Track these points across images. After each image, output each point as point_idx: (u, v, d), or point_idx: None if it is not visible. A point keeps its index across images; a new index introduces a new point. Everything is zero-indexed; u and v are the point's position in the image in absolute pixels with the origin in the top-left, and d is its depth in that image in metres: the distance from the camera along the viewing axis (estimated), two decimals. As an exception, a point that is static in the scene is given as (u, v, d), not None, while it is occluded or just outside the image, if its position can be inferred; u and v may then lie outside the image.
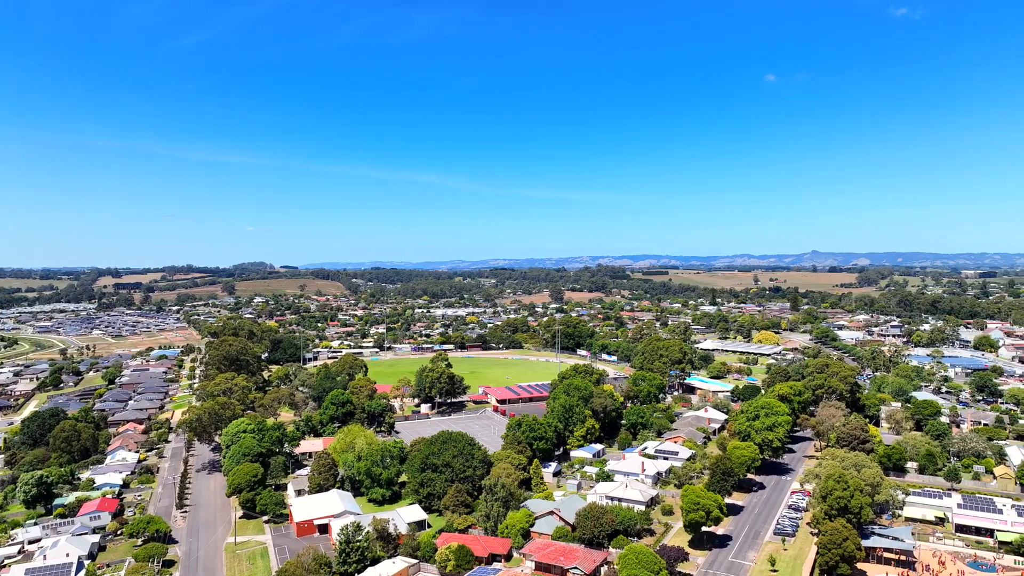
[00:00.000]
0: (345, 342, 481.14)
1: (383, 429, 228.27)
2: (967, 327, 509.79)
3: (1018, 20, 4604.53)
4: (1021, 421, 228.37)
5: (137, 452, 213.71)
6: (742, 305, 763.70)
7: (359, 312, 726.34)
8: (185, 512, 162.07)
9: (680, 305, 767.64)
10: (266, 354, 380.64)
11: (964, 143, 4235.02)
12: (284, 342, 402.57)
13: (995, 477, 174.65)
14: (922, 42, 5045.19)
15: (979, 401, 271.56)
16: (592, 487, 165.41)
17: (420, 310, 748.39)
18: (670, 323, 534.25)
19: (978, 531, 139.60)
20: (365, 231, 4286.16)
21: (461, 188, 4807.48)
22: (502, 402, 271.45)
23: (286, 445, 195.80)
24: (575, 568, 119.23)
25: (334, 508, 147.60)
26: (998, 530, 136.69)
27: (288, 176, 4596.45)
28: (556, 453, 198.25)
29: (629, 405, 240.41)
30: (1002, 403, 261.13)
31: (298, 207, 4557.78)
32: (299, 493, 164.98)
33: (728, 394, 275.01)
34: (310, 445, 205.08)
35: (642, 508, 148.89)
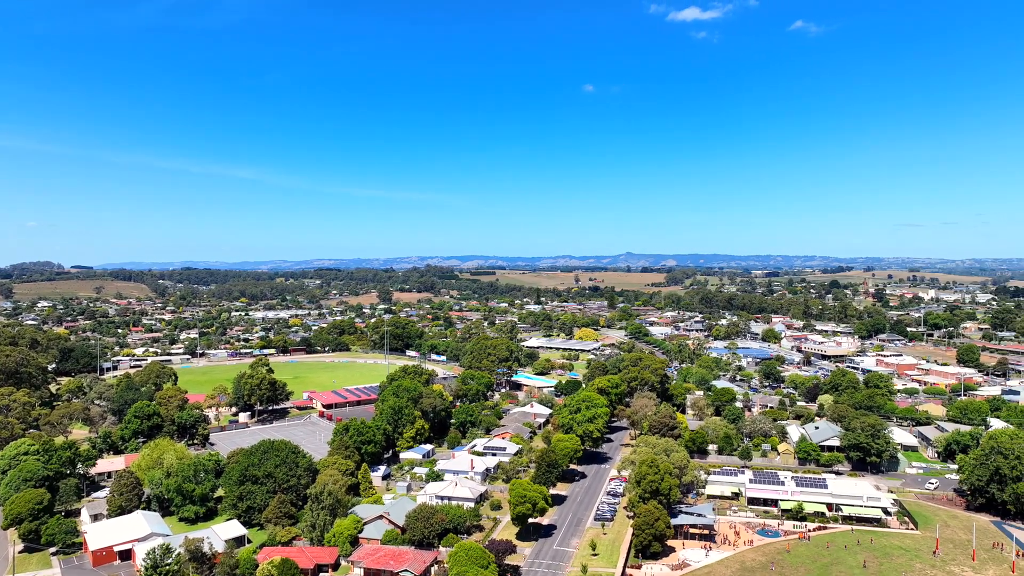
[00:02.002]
0: (151, 349, 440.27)
1: (196, 442, 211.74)
2: (756, 321, 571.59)
3: (782, 34, 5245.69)
4: (799, 403, 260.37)
5: None
6: (564, 304, 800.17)
7: (167, 316, 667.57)
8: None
9: (507, 304, 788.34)
10: (53, 365, 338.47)
11: (750, 158, 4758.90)
12: (77, 351, 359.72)
13: (779, 453, 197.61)
14: (720, 61, 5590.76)
15: (766, 387, 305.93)
16: (422, 488, 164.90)
17: (238, 313, 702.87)
18: (497, 322, 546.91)
19: (765, 502, 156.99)
20: (174, 228, 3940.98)
21: (283, 184, 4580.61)
22: (328, 407, 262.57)
23: (80, 466, 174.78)
24: (405, 571, 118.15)
25: (138, 531, 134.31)
26: (781, 500, 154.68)
27: (78, 165, 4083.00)
28: (385, 456, 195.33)
29: (458, 404, 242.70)
30: (784, 388, 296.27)
31: (92, 200, 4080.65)
32: (96, 518, 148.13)
33: (552, 389, 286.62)
34: (110, 464, 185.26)
35: (472, 505, 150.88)
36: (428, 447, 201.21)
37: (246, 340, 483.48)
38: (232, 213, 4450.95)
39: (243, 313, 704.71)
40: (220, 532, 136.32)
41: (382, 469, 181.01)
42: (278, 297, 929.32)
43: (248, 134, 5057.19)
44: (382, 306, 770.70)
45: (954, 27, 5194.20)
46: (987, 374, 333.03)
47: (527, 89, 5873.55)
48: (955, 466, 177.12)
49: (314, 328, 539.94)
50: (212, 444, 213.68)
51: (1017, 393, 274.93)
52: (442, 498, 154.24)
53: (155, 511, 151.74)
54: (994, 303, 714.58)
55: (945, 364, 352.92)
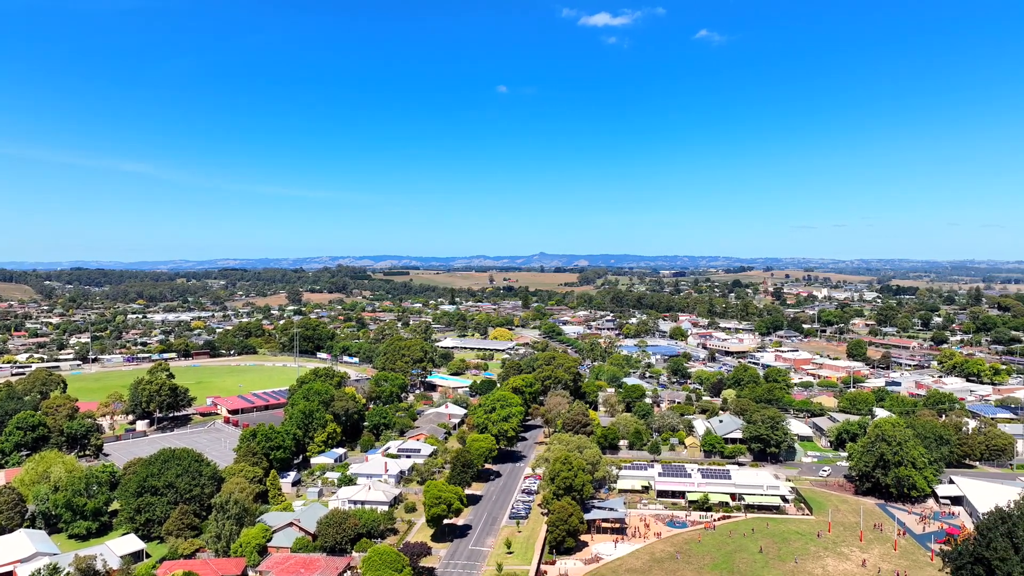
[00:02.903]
0: (36, 355, 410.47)
1: (88, 453, 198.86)
2: (665, 320, 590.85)
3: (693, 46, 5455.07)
4: (704, 398, 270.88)
5: None
6: (479, 304, 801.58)
7: (55, 320, 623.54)
8: None
9: (421, 305, 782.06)
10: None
11: (658, 162, 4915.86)
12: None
13: (686, 447, 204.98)
14: (630, 66, 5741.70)
15: (674, 383, 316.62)
16: (334, 493, 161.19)
17: (135, 316, 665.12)
18: (411, 323, 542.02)
19: (673, 494, 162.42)
20: (62, 226, 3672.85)
21: (183, 181, 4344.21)
22: (234, 412, 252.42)
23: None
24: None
25: (21, 551, 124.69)
26: (688, 491, 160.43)
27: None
28: (296, 461, 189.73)
29: (372, 406, 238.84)
30: (691, 383, 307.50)
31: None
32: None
33: (467, 389, 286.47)
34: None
35: (386, 508, 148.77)
36: (340, 451, 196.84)
37: (144, 344, 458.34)
38: (127, 210, 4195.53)
39: (141, 316, 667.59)
40: (115, 548, 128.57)
41: (292, 475, 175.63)
42: (179, 299, 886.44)
43: (141, 127, 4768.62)
44: (291, 307, 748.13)
45: (844, 39, 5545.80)
46: (873, 367, 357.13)
47: (440, 88, 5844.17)
48: (845, 454, 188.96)
49: (219, 331, 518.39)
50: (106, 455, 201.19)
51: (899, 384, 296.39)
52: (355, 502, 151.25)
53: (41, 529, 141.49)
54: (879, 301, 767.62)
55: (836, 358, 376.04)
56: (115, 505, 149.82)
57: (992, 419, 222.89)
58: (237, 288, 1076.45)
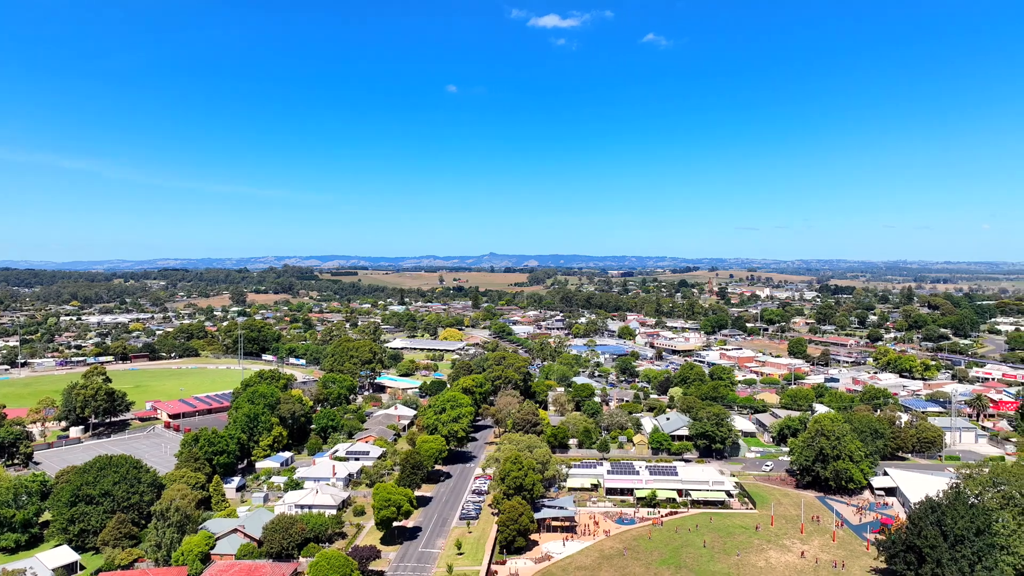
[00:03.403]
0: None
1: (17, 462, 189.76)
2: (613, 319, 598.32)
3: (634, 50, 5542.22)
4: (652, 396, 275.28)
5: None
6: (429, 304, 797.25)
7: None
8: None
9: (370, 305, 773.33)
10: None
11: (607, 163, 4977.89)
12: None
13: (634, 445, 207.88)
14: (579, 68, 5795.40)
15: (622, 381, 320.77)
16: (280, 497, 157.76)
17: (68, 318, 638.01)
18: (360, 323, 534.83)
19: (622, 492, 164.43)
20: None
21: (120, 177, 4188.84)
22: (175, 416, 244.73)
23: None
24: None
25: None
26: (636, 488, 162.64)
27: None
28: (240, 466, 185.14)
29: (319, 409, 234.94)
30: (639, 382, 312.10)
31: None
32: None
33: (417, 390, 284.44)
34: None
35: (334, 512, 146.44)
36: (287, 455, 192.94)
37: (79, 347, 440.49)
38: (60, 208, 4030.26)
39: (75, 318, 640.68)
40: (46, 560, 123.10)
41: (236, 480, 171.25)
42: (116, 300, 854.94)
43: (77, 122, 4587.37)
44: (235, 308, 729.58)
45: (786, 44, 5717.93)
46: (813, 364, 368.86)
47: (389, 87, 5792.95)
48: (787, 449, 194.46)
49: (158, 333, 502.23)
50: (37, 463, 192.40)
51: (837, 381, 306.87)
52: (302, 507, 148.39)
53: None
54: (818, 300, 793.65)
55: (778, 356, 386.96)
56: (47, 516, 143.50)
57: (923, 413, 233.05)
58: (178, 289, 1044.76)
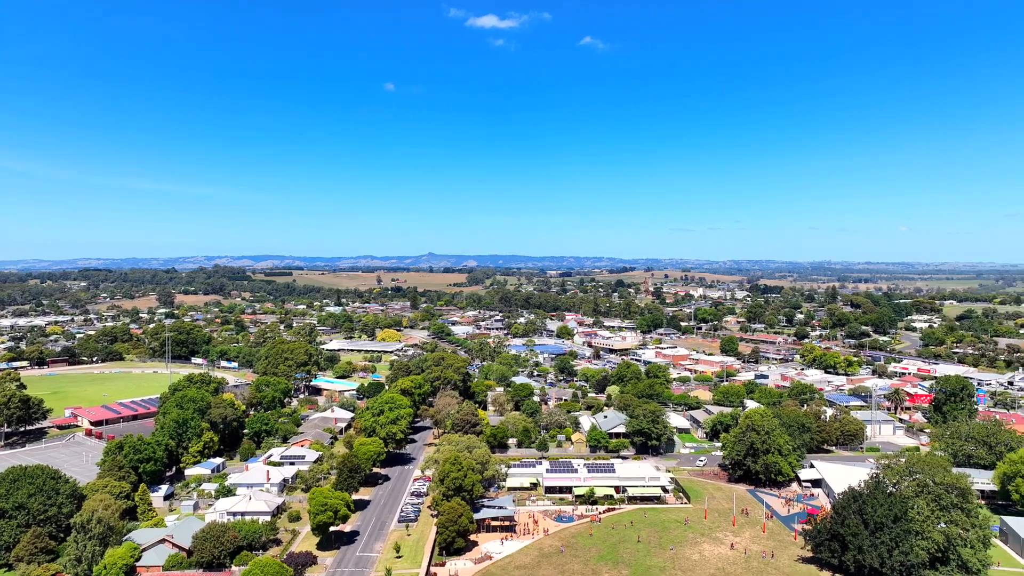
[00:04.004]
0: None
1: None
2: (552, 319, 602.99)
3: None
4: (590, 394, 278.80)
5: None
6: (366, 305, 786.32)
7: None
8: None
9: (305, 306, 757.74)
10: None
11: (544, 164, 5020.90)
12: None
13: (573, 443, 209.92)
14: (517, 69, 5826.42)
15: (561, 380, 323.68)
16: (211, 505, 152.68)
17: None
18: (295, 325, 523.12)
19: (561, 490, 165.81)
20: None
21: (36, 173, 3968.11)
22: (98, 423, 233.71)
23: None
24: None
25: None
26: (575, 486, 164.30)
27: None
28: (169, 474, 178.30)
29: (252, 413, 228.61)
30: (577, 381, 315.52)
31: None
32: None
33: (354, 392, 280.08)
34: None
35: (268, 519, 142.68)
36: (218, 461, 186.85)
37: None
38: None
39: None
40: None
41: (164, 488, 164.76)
42: (32, 301, 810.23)
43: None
44: (163, 310, 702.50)
45: (720, 49, 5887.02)
46: (744, 361, 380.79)
47: (324, 83, 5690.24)
48: (720, 444, 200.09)
49: (79, 336, 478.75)
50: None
51: (767, 377, 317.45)
52: (235, 514, 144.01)
53: None
54: (749, 300, 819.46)
55: (711, 354, 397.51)
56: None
57: (846, 407, 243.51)
58: (100, 290, 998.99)
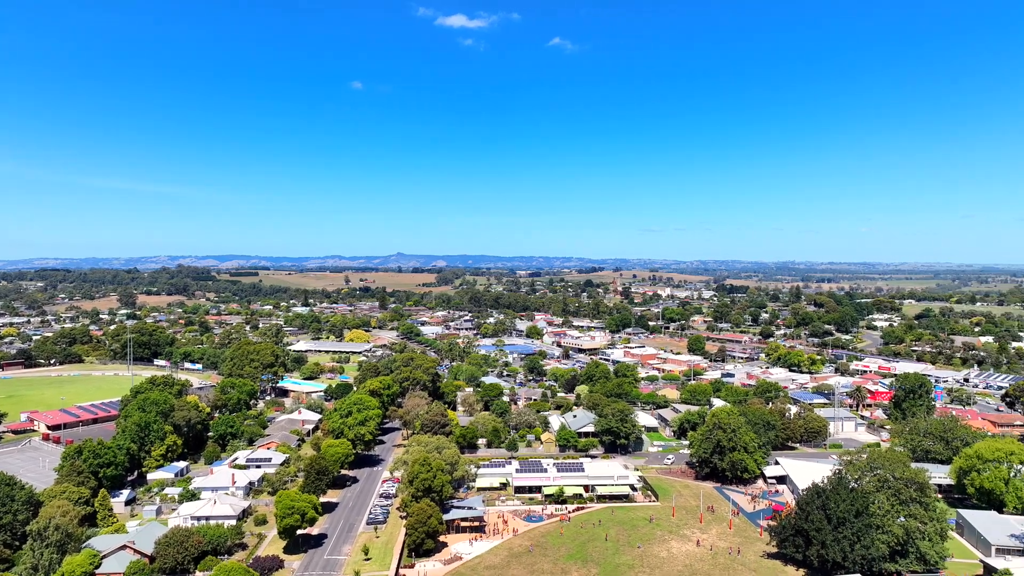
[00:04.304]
0: None
1: None
2: (521, 319, 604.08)
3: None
4: (559, 394, 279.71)
5: None
6: (334, 305, 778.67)
7: None
8: None
9: (272, 307, 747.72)
10: None
11: (512, 164, 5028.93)
12: None
13: (542, 443, 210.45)
14: (487, 68, 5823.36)
15: (531, 380, 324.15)
16: (175, 509, 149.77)
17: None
18: (261, 325, 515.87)
19: (531, 489, 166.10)
20: None
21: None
22: (55, 428, 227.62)
23: None
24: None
25: None
26: (544, 486, 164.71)
27: None
28: (130, 479, 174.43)
29: (217, 415, 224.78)
30: (546, 380, 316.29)
31: None
32: None
33: (322, 394, 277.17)
34: None
35: (234, 523, 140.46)
36: (182, 464, 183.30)
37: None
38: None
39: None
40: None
41: (125, 493, 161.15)
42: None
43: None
44: (124, 311, 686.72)
45: (689, 51, 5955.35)
46: (711, 360, 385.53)
47: (292, 81, 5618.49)
48: (687, 442, 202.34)
49: (36, 338, 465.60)
50: None
51: (733, 376, 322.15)
52: (199, 518, 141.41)
53: None
54: (715, 299, 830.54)
55: (679, 353, 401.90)
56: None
57: (810, 404, 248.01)
58: (59, 291, 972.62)
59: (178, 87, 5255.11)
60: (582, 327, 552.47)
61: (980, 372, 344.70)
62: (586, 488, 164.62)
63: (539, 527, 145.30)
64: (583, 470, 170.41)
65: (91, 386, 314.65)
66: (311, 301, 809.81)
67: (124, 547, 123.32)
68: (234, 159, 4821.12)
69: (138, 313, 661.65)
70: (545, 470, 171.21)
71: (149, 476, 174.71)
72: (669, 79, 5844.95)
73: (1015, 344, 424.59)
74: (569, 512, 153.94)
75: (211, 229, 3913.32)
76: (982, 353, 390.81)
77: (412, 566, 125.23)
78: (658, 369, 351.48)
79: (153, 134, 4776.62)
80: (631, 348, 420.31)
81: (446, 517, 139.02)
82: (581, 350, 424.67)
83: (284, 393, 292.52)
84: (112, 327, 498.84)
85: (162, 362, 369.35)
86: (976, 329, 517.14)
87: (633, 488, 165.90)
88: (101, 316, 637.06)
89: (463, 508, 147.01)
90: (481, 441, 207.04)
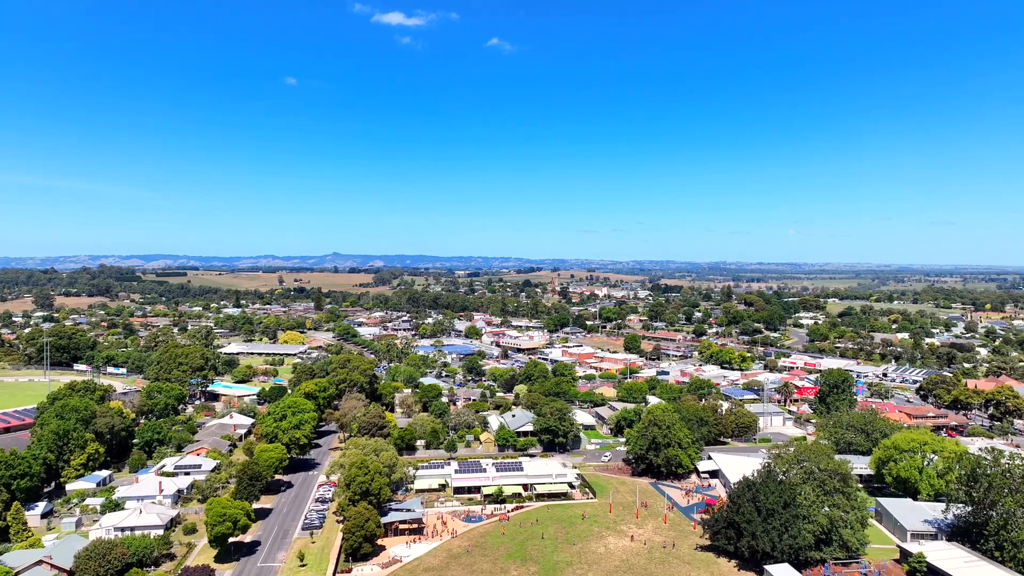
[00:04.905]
0: None
1: None
2: (460, 319, 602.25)
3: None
4: (499, 394, 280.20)
5: None
6: (268, 306, 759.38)
7: None
8: None
9: (201, 308, 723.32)
10: None
11: (450, 164, 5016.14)
12: None
13: (481, 443, 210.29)
14: (424, 67, 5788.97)
15: (470, 380, 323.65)
16: (97, 521, 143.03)
17: None
18: (190, 328, 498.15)
19: (470, 490, 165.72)
20: None
21: None
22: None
23: None
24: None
25: None
26: (483, 486, 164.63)
27: None
28: (47, 490, 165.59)
29: (143, 421, 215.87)
30: (485, 380, 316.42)
31: None
32: None
33: (255, 397, 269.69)
34: None
35: (161, 532, 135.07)
36: (105, 473, 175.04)
37: None
38: None
39: None
40: None
41: (41, 506, 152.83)
42: None
43: None
44: (40, 313, 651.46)
45: (625, 55, 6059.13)
46: (647, 359, 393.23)
47: (220, 74, 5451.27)
48: (624, 439, 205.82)
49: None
50: None
51: (668, 373, 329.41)
52: (123, 529, 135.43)
53: None
54: (651, 299, 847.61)
55: (615, 352, 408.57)
56: None
57: (740, 400, 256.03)
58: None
59: (95, 74, 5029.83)
60: (521, 327, 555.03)
61: (897, 367, 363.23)
62: (525, 487, 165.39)
63: (478, 527, 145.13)
64: (522, 469, 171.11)
65: (3, 393, 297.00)
66: (243, 302, 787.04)
67: (40, 562, 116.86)
68: (158, 153, 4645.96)
69: (56, 315, 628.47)
70: (484, 470, 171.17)
71: (68, 487, 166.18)
72: (603, 82, 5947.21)
73: (928, 340, 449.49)
74: (508, 512, 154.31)
75: (135, 228, 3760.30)
76: (899, 349, 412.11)
77: (349, 571, 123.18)
78: (595, 368, 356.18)
79: (66, 124, 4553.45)
80: (569, 347, 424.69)
81: (384, 520, 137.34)
82: (520, 350, 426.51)
83: (215, 397, 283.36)
84: (27, 330, 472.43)
85: (83, 367, 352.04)
86: (894, 326, 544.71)
87: (571, 486, 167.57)
88: (14, 319, 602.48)
89: (402, 511, 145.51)
90: (420, 443, 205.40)
